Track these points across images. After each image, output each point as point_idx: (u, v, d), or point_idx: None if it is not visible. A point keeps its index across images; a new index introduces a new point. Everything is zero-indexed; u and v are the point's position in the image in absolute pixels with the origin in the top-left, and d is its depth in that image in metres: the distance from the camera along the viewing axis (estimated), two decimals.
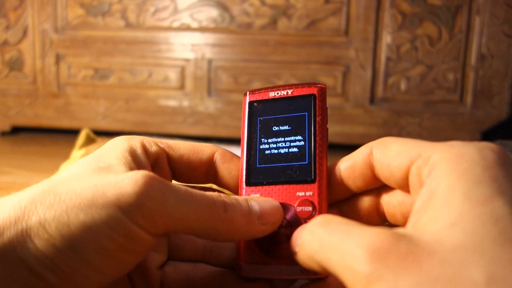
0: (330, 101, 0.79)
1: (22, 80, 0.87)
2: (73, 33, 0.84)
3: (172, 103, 0.83)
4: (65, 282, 0.18)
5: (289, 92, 0.25)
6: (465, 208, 0.16)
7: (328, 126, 0.24)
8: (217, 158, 0.26)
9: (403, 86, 0.77)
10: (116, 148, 0.23)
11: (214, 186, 0.28)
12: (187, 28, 0.81)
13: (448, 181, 0.17)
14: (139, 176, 0.19)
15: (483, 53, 0.74)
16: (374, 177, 0.22)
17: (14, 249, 0.17)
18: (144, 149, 0.24)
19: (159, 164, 0.25)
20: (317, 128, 0.24)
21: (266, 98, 0.26)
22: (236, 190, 0.26)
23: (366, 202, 0.24)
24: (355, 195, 0.24)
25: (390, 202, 0.23)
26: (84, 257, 0.18)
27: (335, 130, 0.79)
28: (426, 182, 0.18)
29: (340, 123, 0.79)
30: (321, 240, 0.18)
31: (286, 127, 0.25)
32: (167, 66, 0.82)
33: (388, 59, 0.77)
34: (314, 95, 0.25)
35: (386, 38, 0.76)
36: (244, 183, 0.24)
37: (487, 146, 0.18)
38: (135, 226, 0.19)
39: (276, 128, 0.25)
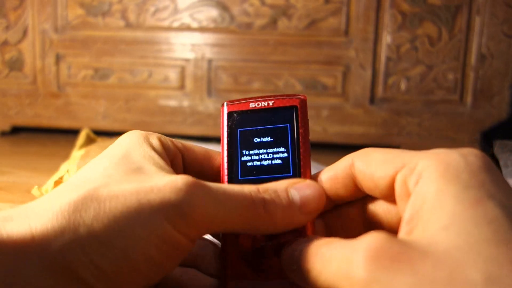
0: (330, 101, 0.79)
1: (22, 80, 0.87)
2: (73, 33, 0.84)
3: (172, 103, 0.83)
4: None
5: (270, 103, 0.25)
6: (457, 211, 0.16)
7: (309, 137, 0.24)
8: None
9: (403, 86, 0.77)
10: (139, 147, 0.23)
11: None
12: (187, 28, 0.81)
13: (437, 186, 0.17)
14: (180, 183, 0.19)
15: (483, 53, 0.74)
16: (356, 188, 0.22)
17: (64, 259, 0.17)
18: (163, 146, 0.24)
19: (175, 164, 0.25)
20: (300, 139, 0.24)
21: (246, 109, 0.25)
22: None
23: (351, 212, 0.23)
24: (339, 206, 0.24)
25: (375, 212, 0.22)
26: (134, 266, 0.18)
27: (335, 130, 0.79)
28: (414, 190, 0.18)
29: (340, 123, 0.79)
30: (323, 257, 0.18)
31: (267, 139, 0.24)
32: (167, 66, 0.82)
33: (388, 59, 0.77)
34: (295, 106, 0.24)
35: (386, 38, 0.76)
36: None
37: (471, 152, 0.18)
38: (179, 234, 0.19)
39: (258, 140, 0.25)
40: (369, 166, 0.21)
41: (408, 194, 0.18)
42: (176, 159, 0.25)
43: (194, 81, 0.82)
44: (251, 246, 0.22)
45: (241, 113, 0.26)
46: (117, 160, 0.22)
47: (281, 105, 0.25)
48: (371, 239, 0.16)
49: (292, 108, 0.24)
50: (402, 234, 0.17)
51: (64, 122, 0.86)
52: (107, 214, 0.18)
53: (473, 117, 0.76)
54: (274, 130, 0.24)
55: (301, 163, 0.23)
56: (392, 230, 0.22)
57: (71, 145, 0.69)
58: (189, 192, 0.19)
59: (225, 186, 0.20)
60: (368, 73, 0.77)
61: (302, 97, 0.25)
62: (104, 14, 0.82)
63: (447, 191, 0.16)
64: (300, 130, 0.24)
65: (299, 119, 0.24)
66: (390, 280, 0.14)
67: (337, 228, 0.24)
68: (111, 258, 0.18)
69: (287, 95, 0.25)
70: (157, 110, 0.83)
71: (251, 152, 0.24)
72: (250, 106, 0.25)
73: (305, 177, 0.23)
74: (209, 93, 0.82)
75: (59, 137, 0.87)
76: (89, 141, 0.68)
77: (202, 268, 0.25)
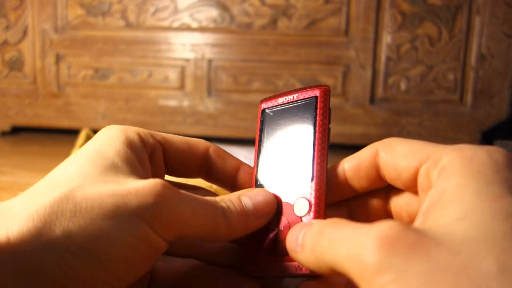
0: (331, 101, 0.79)
1: (22, 80, 0.87)
2: (73, 33, 0.84)
3: (172, 103, 0.83)
4: None
5: (295, 96, 0.26)
6: (475, 204, 0.16)
7: (330, 126, 0.24)
8: (211, 154, 0.26)
9: (403, 86, 0.77)
10: (114, 142, 0.23)
11: (202, 181, 0.28)
12: (187, 28, 0.81)
13: (459, 180, 0.17)
14: (158, 187, 0.20)
15: (483, 53, 0.74)
16: (379, 177, 0.22)
17: (38, 262, 0.17)
18: (142, 141, 0.24)
19: (155, 157, 0.25)
20: (317, 128, 0.24)
21: (276, 104, 0.26)
22: (226, 186, 0.27)
23: (374, 201, 0.24)
24: (363, 194, 0.24)
25: (397, 202, 0.23)
26: (109, 268, 0.18)
27: (335, 130, 0.79)
28: (435, 183, 0.18)
29: (340, 123, 0.79)
30: (330, 238, 0.18)
31: (291, 131, 0.25)
32: (167, 66, 0.82)
33: (388, 59, 0.77)
34: (316, 97, 0.25)
35: (386, 38, 0.76)
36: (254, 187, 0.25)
37: (497, 150, 0.18)
38: (155, 234, 0.19)
39: (282, 133, 0.25)
40: (394, 157, 0.21)
41: (430, 187, 0.19)
42: (156, 152, 0.25)
43: (194, 81, 0.82)
44: (266, 231, 0.23)
45: (271, 108, 0.26)
46: (91, 157, 0.22)
47: (304, 97, 0.25)
48: (385, 226, 0.16)
49: (313, 98, 0.25)
50: (417, 223, 0.17)
51: (64, 122, 0.86)
52: (83, 216, 0.18)
53: (473, 117, 0.76)
54: (297, 121, 0.25)
55: (315, 150, 0.23)
56: (413, 221, 0.22)
57: (71, 145, 0.69)
58: (164, 195, 0.20)
59: (195, 195, 0.21)
60: (368, 73, 0.77)
61: (325, 87, 0.25)
62: (104, 14, 0.82)
63: (468, 185, 0.16)
64: (318, 119, 0.24)
65: (318, 108, 0.24)
66: (404, 266, 0.14)
67: (359, 216, 0.24)
68: (87, 261, 0.18)
69: (312, 86, 0.25)
70: (157, 110, 0.83)
71: (276, 145, 0.25)
72: (279, 101, 0.26)
73: (319, 165, 0.23)
74: (209, 93, 0.82)
75: (59, 137, 0.87)
76: (89, 141, 0.68)
77: (201, 256, 0.26)
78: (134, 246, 0.19)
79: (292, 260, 0.21)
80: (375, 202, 0.24)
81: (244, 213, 0.22)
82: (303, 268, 0.21)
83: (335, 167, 0.24)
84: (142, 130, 0.25)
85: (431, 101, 0.77)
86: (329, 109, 0.25)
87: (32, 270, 0.17)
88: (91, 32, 0.83)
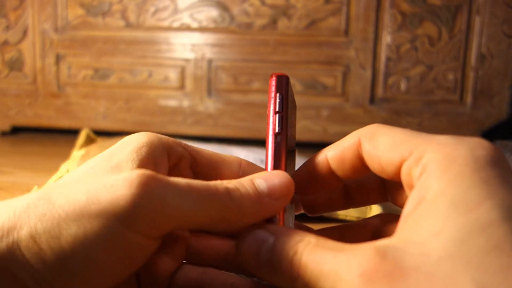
0: (330, 101, 0.79)
1: (22, 80, 0.87)
2: (73, 33, 0.84)
3: (172, 103, 0.83)
4: None
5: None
6: (451, 217, 0.15)
7: (283, 113, 0.22)
8: (244, 168, 0.25)
9: (403, 86, 0.77)
10: (130, 144, 0.21)
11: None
12: (187, 28, 0.81)
13: (438, 186, 0.16)
14: (134, 176, 0.17)
15: (483, 53, 0.74)
16: (364, 167, 0.21)
17: (4, 260, 0.16)
18: (166, 147, 0.22)
19: (181, 166, 0.24)
20: (268, 116, 0.22)
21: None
22: None
23: (369, 179, 0.24)
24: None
25: (392, 183, 0.23)
26: (76, 272, 0.17)
27: (335, 130, 0.79)
28: (416, 184, 0.18)
29: (340, 123, 0.79)
30: (312, 269, 0.17)
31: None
32: (167, 66, 0.82)
33: (388, 59, 0.77)
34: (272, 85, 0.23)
35: (386, 38, 0.76)
36: None
37: (480, 145, 0.17)
38: (133, 233, 0.17)
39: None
40: (377, 149, 0.20)
41: (412, 186, 0.18)
42: (183, 161, 0.24)
43: (194, 81, 0.82)
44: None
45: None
46: (101, 158, 0.21)
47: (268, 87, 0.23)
48: (363, 258, 0.15)
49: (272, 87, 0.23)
50: (397, 231, 0.17)
51: (64, 122, 0.86)
52: (53, 214, 0.17)
53: (473, 117, 0.76)
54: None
55: (269, 152, 0.21)
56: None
57: (71, 145, 0.69)
58: (142, 185, 0.17)
59: (188, 179, 0.19)
60: (368, 73, 0.77)
61: (276, 74, 0.23)
62: (104, 14, 0.82)
63: (446, 192, 0.16)
64: (268, 108, 0.22)
65: (269, 97, 0.22)
66: None
67: (355, 192, 0.24)
68: (49, 264, 0.17)
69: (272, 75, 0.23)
70: (157, 110, 0.83)
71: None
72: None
73: (272, 164, 0.21)
74: (209, 93, 0.82)
75: (59, 137, 0.87)
76: (89, 141, 0.68)
77: (233, 266, 0.24)
78: (105, 249, 0.17)
79: None
80: (369, 181, 0.24)
81: (257, 194, 0.19)
82: None
83: (317, 157, 0.23)
84: (171, 139, 0.23)
85: (431, 101, 0.77)
86: (281, 95, 0.22)
87: (1, 270, 0.17)
88: (91, 32, 0.83)
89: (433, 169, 0.17)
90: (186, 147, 0.24)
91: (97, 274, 0.17)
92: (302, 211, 0.26)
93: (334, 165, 0.22)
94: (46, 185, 0.20)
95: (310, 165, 0.23)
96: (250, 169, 0.24)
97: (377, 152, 0.20)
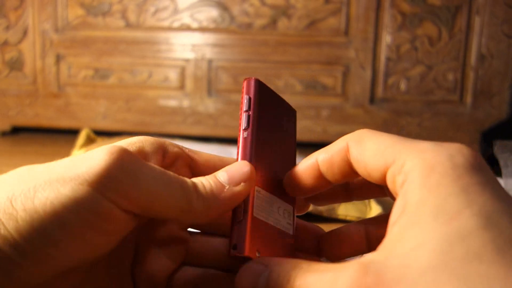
0: (330, 101, 0.79)
1: (22, 80, 0.87)
2: (73, 33, 0.84)
3: (172, 103, 0.83)
4: (30, 261, 0.17)
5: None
6: (432, 227, 0.16)
7: (250, 113, 0.24)
8: None
9: (403, 86, 0.77)
10: (121, 141, 0.22)
11: None
12: (187, 28, 0.81)
13: (418, 196, 0.17)
14: (113, 150, 0.18)
15: (483, 53, 0.74)
16: (352, 172, 0.22)
17: None
18: (161, 146, 0.23)
19: (178, 165, 0.24)
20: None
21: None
22: None
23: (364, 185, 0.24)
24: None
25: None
26: (47, 235, 0.17)
27: (335, 130, 0.79)
28: (399, 193, 0.18)
29: (340, 123, 0.79)
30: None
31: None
32: (167, 66, 0.82)
33: (388, 59, 0.77)
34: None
35: (386, 38, 0.76)
36: None
37: (460, 152, 0.18)
38: (106, 200, 0.18)
39: None
40: (363, 155, 0.20)
41: (396, 194, 0.19)
42: (179, 161, 0.24)
43: (194, 81, 0.82)
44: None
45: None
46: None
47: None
48: (347, 275, 0.16)
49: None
50: (382, 246, 0.17)
51: (64, 122, 0.86)
52: (31, 180, 0.18)
53: (473, 117, 0.76)
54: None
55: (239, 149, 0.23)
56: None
57: (71, 145, 0.69)
58: (119, 157, 0.18)
59: (161, 168, 0.20)
60: (368, 73, 0.77)
61: (247, 79, 0.25)
62: (104, 14, 0.82)
63: (426, 202, 0.16)
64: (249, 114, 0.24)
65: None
66: None
67: (355, 187, 0.25)
68: (23, 226, 0.17)
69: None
70: (157, 110, 0.83)
71: None
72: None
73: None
74: (209, 93, 0.82)
75: (59, 137, 0.87)
76: (89, 141, 0.68)
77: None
78: (77, 213, 0.17)
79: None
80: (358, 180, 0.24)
81: (219, 185, 0.21)
82: None
83: (308, 161, 0.23)
84: (168, 140, 0.24)
85: (431, 101, 0.77)
86: (248, 96, 0.24)
87: None
88: (91, 32, 0.83)
89: (414, 177, 0.17)
90: (182, 148, 0.24)
91: (71, 242, 0.17)
92: (306, 212, 0.26)
93: (323, 168, 0.22)
94: None
95: (301, 168, 0.23)
96: None
97: (363, 158, 0.20)
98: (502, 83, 0.75)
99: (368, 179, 0.21)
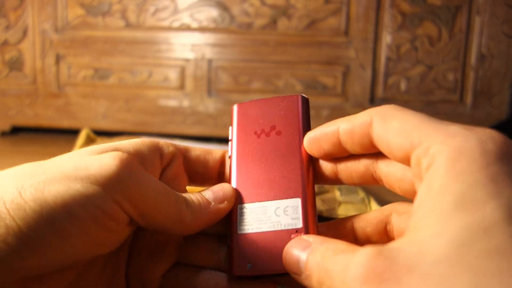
0: (330, 101, 0.79)
1: (22, 80, 0.87)
2: (73, 33, 0.84)
3: (172, 103, 0.83)
4: (34, 253, 0.17)
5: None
6: (454, 217, 0.15)
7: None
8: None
9: (403, 86, 0.77)
10: (123, 144, 0.23)
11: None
12: (187, 28, 0.81)
13: (443, 181, 0.16)
14: (120, 154, 0.20)
15: (483, 53, 0.74)
16: (372, 146, 0.21)
17: None
18: (158, 148, 0.25)
19: (174, 165, 0.25)
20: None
21: None
22: None
23: (362, 166, 0.23)
24: (353, 157, 0.24)
25: (388, 173, 0.22)
26: (55, 226, 0.18)
27: None
28: (424, 177, 0.17)
29: None
30: (329, 269, 0.18)
31: None
32: (167, 66, 0.82)
33: (388, 59, 0.77)
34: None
35: (386, 38, 0.76)
36: None
37: (490, 138, 0.17)
38: (113, 201, 0.19)
39: None
40: (387, 132, 0.20)
41: (421, 177, 0.18)
42: (176, 160, 0.25)
43: (194, 81, 0.82)
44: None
45: None
46: (84, 148, 0.22)
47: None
48: (362, 258, 0.16)
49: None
50: (405, 233, 0.17)
51: (64, 122, 0.86)
52: (40, 175, 0.18)
53: (473, 117, 0.76)
54: None
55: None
56: (402, 191, 0.22)
57: (71, 145, 0.69)
58: (128, 163, 0.20)
59: (158, 180, 0.22)
60: (368, 73, 0.77)
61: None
62: (104, 14, 0.82)
63: (450, 189, 0.16)
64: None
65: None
66: None
67: (346, 176, 0.24)
68: (31, 216, 0.17)
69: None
70: (157, 110, 0.83)
71: None
72: None
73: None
74: (209, 93, 0.82)
75: (59, 137, 0.87)
76: (89, 141, 0.68)
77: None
78: (86, 208, 0.18)
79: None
80: (363, 169, 0.23)
81: (205, 201, 0.23)
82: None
83: (330, 127, 0.23)
84: (163, 141, 0.25)
85: (431, 101, 0.77)
86: (231, 126, 0.28)
87: None
88: (91, 32, 0.83)
89: (440, 162, 0.17)
90: (176, 146, 0.26)
91: (77, 235, 0.18)
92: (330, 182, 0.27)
93: (343, 138, 0.22)
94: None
95: (321, 132, 0.24)
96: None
97: (386, 136, 0.20)
98: (502, 83, 0.75)
99: (389, 156, 0.21)
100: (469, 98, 0.76)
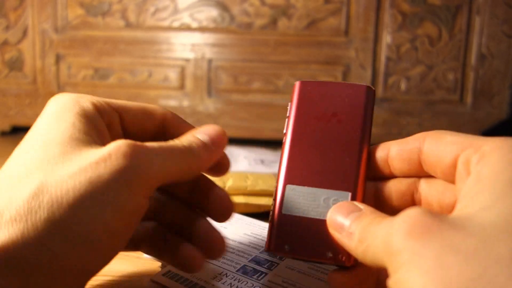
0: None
1: (22, 80, 0.87)
2: (73, 33, 0.84)
3: (172, 103, 0.83)
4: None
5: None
6: (506, 193, 0.16)
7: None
8: (168, 121, 0.26)
9: (403, 86, 0.77)
10: (67, 113, 0.22)
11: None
12: (187, 28, 0.81)
13: (495, 168, 0.17)
14: (124, 148, 0.20)
15: (483, 53, 0.74)
16: (419, 164, 0.22)
17: (31, 259, 0.17)
18: (98, 110, 0.24)
19: (112, 126, 0.25)
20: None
21: None
22: None
23: (404, 185, 0.24)
24: (395, 177, 0.24)
25: (429, 191, 0.23)
26: (98, 246, 0.18)
27: None
28: (473, 170, 0.18)
29: None
30: (375, 233, 0.18)
31: None
32: (167, 66, 0.82)
33: (388, 59, 0.77)
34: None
35: (386, 38, 0.76)
36: None
37: None
38: (136, 196, 0.20)
39: None
40: (438, 144, 0.21)
41: (468, 173, 0.19)
42: (113, 121, 0.25)
43: (194, 81, 0.82)
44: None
45: None
46: (47, 135, 0.21)
47: None
48: (407, 213, 0.16)
49: None
50: (454, 211, 0.18)
51: None
52: (61, 203, 0.18)
53: (473, 117, 0.76)
54: None
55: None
56: (443, 211, 0.22)
57: None
58: (135, 154, 0.20)
59: (160, 143, 0.22)
60: (368, 73, 0.77)
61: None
62: (104, 14, 0.82)
63: (503, 174, 0.16)
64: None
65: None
66: (418, 248, 0.15)
67: (386, 198, 0.24)
68: (76, 246, 0.18)
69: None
70: None
71: None
72: None
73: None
74: (209, 93, 0.82)
75: None
76: None
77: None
78: (118, 218, 0.19)
79: (333, 251, 0.22)
80: (405, 187, 0.24)
81: (206, 147, 0.24)
82: (350, 260, 0.22)
83: (379, 146, 0.24)
84: (96, 99, 0.24)
85: (431, 101, 0.77)
86: (289, 103, 0.27)
87: (27, 268, 0.17)
88: (91, 32, 0.83)
89: (492, 155, 0.18)
90: (112, 105, 0.25)
91: (116, 243, 0.19)
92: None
93: (393, 153, 0.23)
94: (17, 173, 0.21)
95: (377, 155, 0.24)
96: (174, 123, 0.27)
97: (437, 147, 0.21)
98: (502, 83, 0.75)
99: (434, 169, 0.22)
100: (469, 98, 0.76)
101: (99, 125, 0.23)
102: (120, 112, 0.25)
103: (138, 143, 0.21)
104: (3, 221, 0.18)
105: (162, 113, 0.26)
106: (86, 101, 0.23)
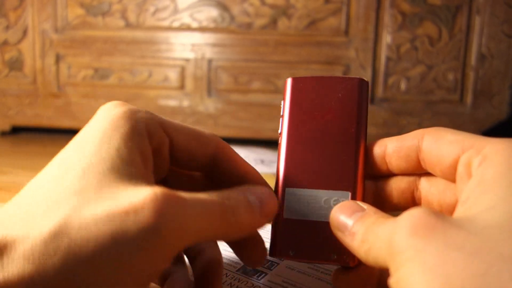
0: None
1: (22, 80, 0.87)
2: (73, 33, 0.84)
3: (172, 103, 0.83)
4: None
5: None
6: (508, 194, 0.16)
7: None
8: (221, 155, 0.25)
9: (403, 86, 0.77)
10: (115, 134, 0.20)
11: None
12: (187, 28, 0.81)
13: (498, 170, 0.17)
14: (159, 200, 0.17)
15: (483, 53, 0.74)
16: (418, 162, 0.22)
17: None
18: (149, 133, 0.22)
19: (160, 151, 0.23)
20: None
21: None
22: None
23: (404, 183, 0.24)
24: (395, 175, 0.24)
25: (430, 190, 0.23)
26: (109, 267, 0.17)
27: None
28: (474, 173, 0.18)
29: None
30: (378, 234, 0.18)
31: None
32: (167, 66, 0.82)
33: (388, 59, 0.77)
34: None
35: (386, 38, 0.76)
36: None
37: None
38: (161, 256, 0.18)
39: None
40: (438, 143, 0.21)
41: (469, 175, 0.19)
42: (163, 146, 0.23)
43: (194, 81, 0.82)
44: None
45: None
46: (89, 158, 0.19)
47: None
48: (411, 213, 0.16)
49: None
50: (455, 213, 0.17)
51: (64, 122, 0.86)
52: (77, 254, 0.16)
53: (473, 117, 0.76)
54: None
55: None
56: (443, 210, 0.22)
57: None
58: (169, 209, 0.18)
59: (199, 196, 0.19)
60: (368, 73, 0.77)
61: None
62: (104, 14, 0.82)
63: (506, 176, 0.16)
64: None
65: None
66: (422, 246, 0.15)
67: (386, 196, 0.24)
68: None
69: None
70: (157, 110, 0.83)
71: None
72: None
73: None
74: (209, 93, 0.82)
75: (59, 137, 0.87)
76: None
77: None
78: (131, 282, 0.17)
79: (336, 251, 0.22)
80: (405, 185, 0.24)
81: (252, 212, 0.21)
82: (354, 260, 0.22)
83: (376, 143, 0.24)
84: (150, 116, 0.22)
85: (431, 101, 0.77)
86: (282, 102, 0.26)
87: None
88: (91, 32, 0.83)
89: (495, 157, 0.18)
90: (165, 128, 0.23)
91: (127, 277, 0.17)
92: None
93: (390, 151, 0.23)
94: (46, 198, 0.19)
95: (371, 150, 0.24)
96: (229, 155, 0.24)
97: (437, 145, 0.21)
98: (502, 83, 0.75)
99: (433, 168, 0.21)
100: (469, 98, 0.76)
101: (145, 151, 0.21)
102: (171, 137, 0.23)
103: (177, 194, 0.18)
104: (16, 255, 0.16)
105: (216, 143, 0.24)
106: (139, 118, 0.21)
